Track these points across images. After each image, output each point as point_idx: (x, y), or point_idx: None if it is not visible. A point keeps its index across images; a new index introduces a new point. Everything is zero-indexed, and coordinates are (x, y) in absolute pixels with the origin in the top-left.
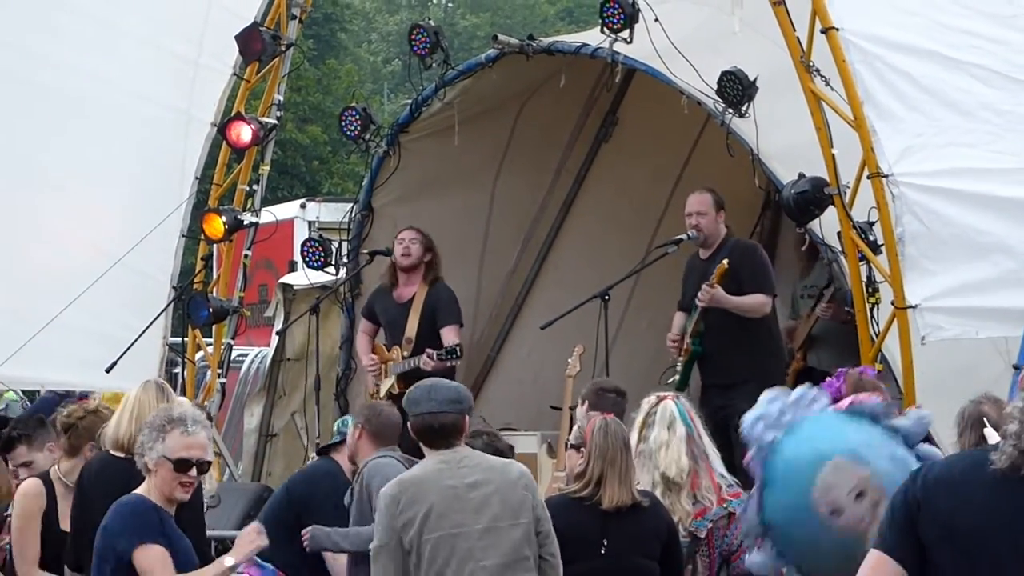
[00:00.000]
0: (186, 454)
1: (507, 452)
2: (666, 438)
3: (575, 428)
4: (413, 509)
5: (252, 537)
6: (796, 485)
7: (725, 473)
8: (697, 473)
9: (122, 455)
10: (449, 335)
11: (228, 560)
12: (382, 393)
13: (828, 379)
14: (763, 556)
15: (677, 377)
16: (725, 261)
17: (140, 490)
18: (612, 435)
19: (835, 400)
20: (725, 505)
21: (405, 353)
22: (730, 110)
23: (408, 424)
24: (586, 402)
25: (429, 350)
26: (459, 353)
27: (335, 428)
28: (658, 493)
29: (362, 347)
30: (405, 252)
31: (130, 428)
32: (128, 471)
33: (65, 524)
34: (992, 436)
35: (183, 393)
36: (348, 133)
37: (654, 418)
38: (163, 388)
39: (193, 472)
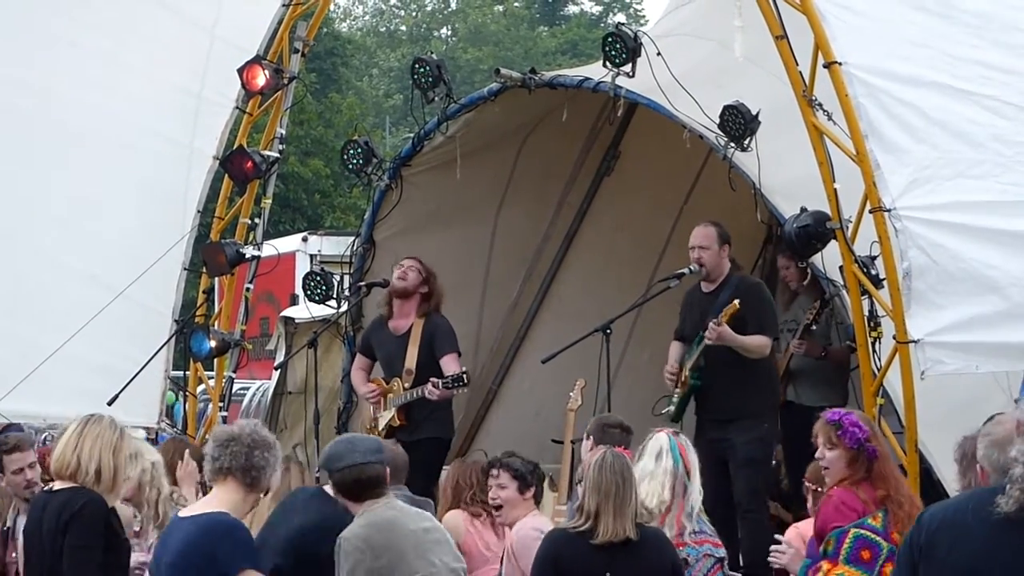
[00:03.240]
0: None
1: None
2: (651, 469)
3: (580, 466)
4: (388, 554)
5: None
6: None
7: (696, 516)
8: (670, 511)
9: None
10: (449, 364)
11: None
12: (380, 427)
13: (832, 411)
14: None
15: (672, 408)
16: (737, 302)
17: (226, 509)
18: (608, 469)
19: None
20: (682, 550)
21: (406, 384)
22: (732, 144)
23: (332, 480)
24: (591, 438)
25: (434, 379)
26: (466, 381)
27: None
28: None
29: (358, 381)
30: (402, 276)
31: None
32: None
33: None
34: None
35: (184, 426)
36: (350, 166)
37: (644, 449)
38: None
39: None
